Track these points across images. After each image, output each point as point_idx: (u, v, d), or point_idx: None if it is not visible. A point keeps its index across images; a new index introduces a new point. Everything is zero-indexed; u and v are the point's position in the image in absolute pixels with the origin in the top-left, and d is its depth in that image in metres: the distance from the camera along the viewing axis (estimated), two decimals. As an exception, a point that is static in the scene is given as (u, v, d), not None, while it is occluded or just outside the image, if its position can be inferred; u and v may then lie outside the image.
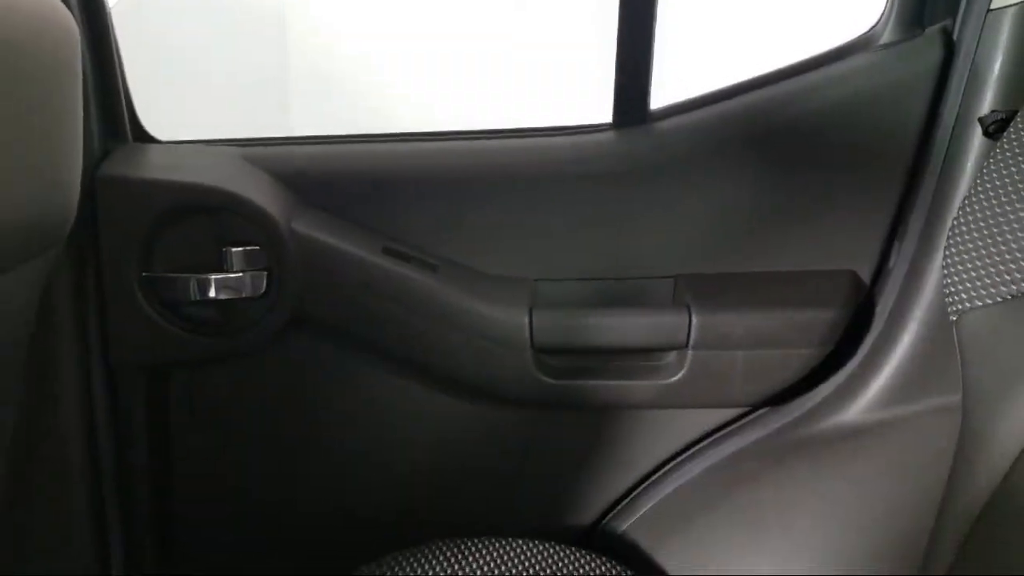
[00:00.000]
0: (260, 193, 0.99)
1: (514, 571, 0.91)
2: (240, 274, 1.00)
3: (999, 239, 0.78)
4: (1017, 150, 0.79)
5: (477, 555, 0.93)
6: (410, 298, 1.02)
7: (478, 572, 0.90)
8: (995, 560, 0.72)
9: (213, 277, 0.99)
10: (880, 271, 1.06)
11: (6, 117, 0.70)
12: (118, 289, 0.99)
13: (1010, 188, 0.78)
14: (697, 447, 1.11)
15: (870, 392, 1.03)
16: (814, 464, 1.03)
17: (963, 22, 0.98)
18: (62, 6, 0.79)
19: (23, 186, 0.74)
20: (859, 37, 1.07)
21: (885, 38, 1.05)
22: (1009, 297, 0.76)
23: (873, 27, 1.06)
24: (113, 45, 1.00)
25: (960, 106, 0.97)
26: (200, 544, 1.16)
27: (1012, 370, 0.73)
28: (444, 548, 0.93)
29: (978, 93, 0.95)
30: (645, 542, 1.07)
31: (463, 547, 0.94)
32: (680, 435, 1.11)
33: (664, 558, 1.05)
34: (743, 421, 1.10)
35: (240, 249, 0.99)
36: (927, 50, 1.00)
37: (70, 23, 0.79)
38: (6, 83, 0.70)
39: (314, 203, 1.04)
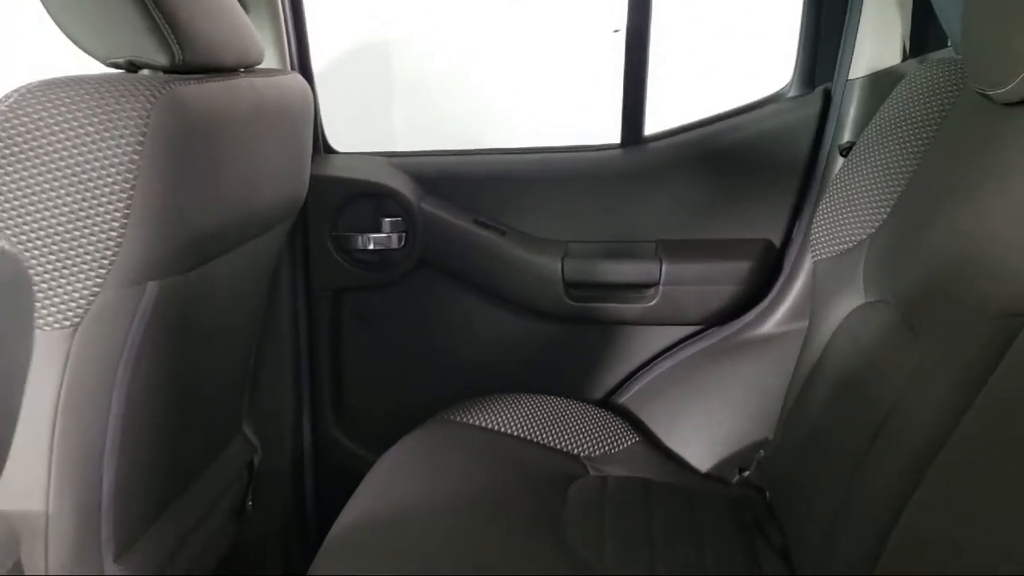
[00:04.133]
0: (401, 186, 1.59)
1: (555, 412, 1.47)
2: (388, 234, 1.59)
3: (830, 217, 1.21)
4: (852, 165, 1.22)
5: (533, 401, 1.49)
6: (489, 251, 1.61)
7: (534, 408, 1.46)
8: (807, 410, 1.15)
9: (372, 236, 1.59)
10: (786, 239, 1.58)
11: (289, 151, 1.32)
12: (317, 242, 1.60)
13: (845, 188, 1.21)
14: (668, 352, 1.65)
15: (778, 314, 1.54)
16: (742, 359, 1.55)
17: (835, 85, 1.52)
18: (302, 79, 1.41)
19: (291, 184, 1.37)
20: (774, 92, 1.63)
21: (791, 93, 1.61)
22: (837, 252, 1.19)
23: (783, 86, 1.62)
24: (315, 91, 1.62)
25: (833, 138, 1.50)
26: (359, 406, 1.75)
27: (830, 294, 1.18)
28: (511, 397, 1.50)
29: (841, 129, 1.48)
30: (635, 409, 1.62)
31: (524, 397, 1.50)
32: (657, 342, 1.64)
33: (646, 418, 1.59)
34: (697, 335, 1.64)
35: (389, 219, 1.59)
36: (815, 102, 1.54)
37: (307, 88, 1.41)
38: (290, 132, 1.32)
39: (432, 192, 1.63)
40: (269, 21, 1.50)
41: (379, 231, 1.60)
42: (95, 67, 1.09)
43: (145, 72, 1.07)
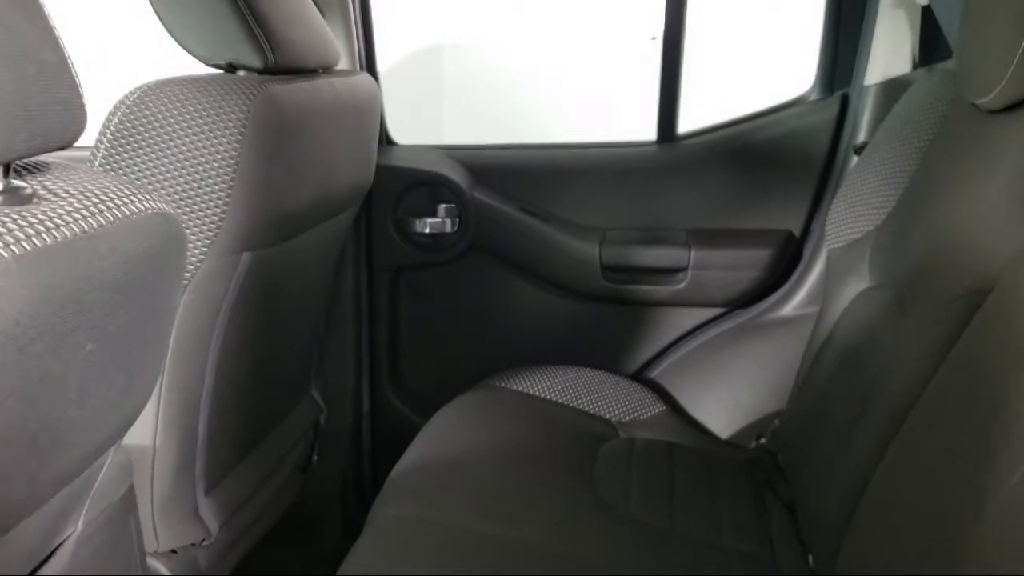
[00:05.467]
0: (456, 176, 1.76)
1: (590, 382, 1.62)
2: (443, 219, 1.76)
3: (843, 210, 1.34)
4: (863, 163, 1.35)
5: (571, 371, 1.64)
6: (533, 236, 1.77)
7: (572, 378, 1.62)
8: (814, 382, 1.30)
9: (429, 220, 1.76)
10: (805, 230, 1.72)
11: (360, 143, 1.50)
12: (379, 225, 1.78)
13: (857, 184, 1.34)
14: (695, 331, 1.80)
15: (796, 299, 1.69)
16: (762, 338, 1.71)
17: (852, 90, 1.66)
18: (371, 78, 1.58)
19: (361, 172, 1.54)
20: (798, 96, 1.77)
21: (812, 97, 1.75)
22: (849, 242, 1.32)
23: (806, 91, 1.76)
24: (379, 87, 1.79)
25: (849, 138, 1.64)
26: (413, 373, 1.91)
27: (841, 279, 1.32)
28: (551, 368, 1.66)
29: (857, 131, 1.63)
30: (663, 382, 1.77)
31: (562, 368, 1.65)
32: (685, 322, 1.79)
33: (673, 390, 1.74)
34: (722, 317, 1.78)
35: (444, 205, 1.76)
36: (834, 105, 1.68)
37: (375, 86, 1.58)
38: (361, 126, 1.49)
39: (483, 181, 1.79)
40: (342, 25, 1.67)
41: (435, 216, 1.77)
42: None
43: (241, 73, 1.25)
